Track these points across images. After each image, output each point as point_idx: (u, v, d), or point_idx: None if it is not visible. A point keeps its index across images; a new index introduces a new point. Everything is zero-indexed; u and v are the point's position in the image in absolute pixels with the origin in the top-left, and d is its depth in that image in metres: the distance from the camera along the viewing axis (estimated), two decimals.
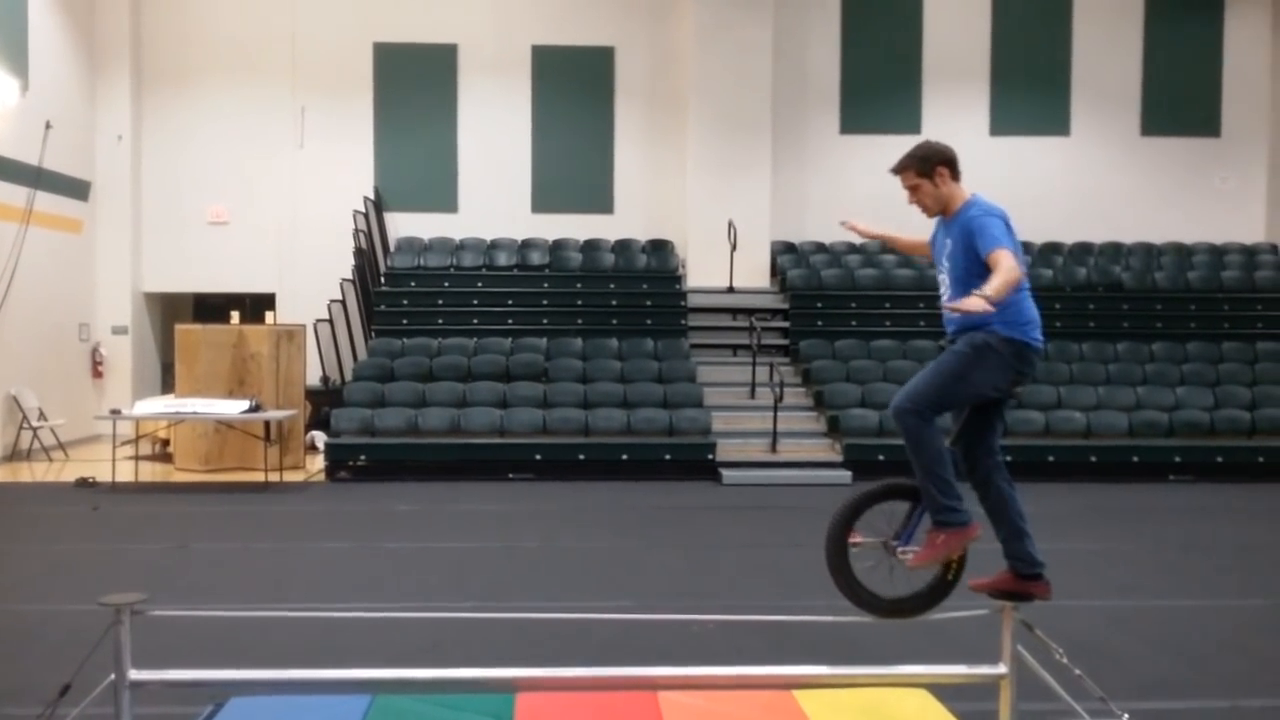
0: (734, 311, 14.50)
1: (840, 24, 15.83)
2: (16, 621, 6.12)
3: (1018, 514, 4.13)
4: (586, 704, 4.92)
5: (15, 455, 12.90)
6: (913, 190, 4.17)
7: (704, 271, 14.85)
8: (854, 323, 14.08)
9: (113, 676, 3.80)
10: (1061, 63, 15.87)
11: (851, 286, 14.59)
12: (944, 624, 4.50)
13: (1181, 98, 15.94)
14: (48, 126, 13.73)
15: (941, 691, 4.80)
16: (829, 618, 4.60)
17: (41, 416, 13.12)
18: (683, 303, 14.42)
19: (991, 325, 3.93)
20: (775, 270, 15.20)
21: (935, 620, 4.44)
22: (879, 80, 15.82)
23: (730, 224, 14.46)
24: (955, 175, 4.14)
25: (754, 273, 14.91)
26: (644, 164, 15.75)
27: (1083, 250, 15.51)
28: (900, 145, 15.03)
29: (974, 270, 3.91)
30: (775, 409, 11.93)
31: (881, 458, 11.69)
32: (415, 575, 7.50)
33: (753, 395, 12.88)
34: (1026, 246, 15.49)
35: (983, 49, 15.84)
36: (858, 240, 15.67)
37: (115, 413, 11.71)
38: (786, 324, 14.33)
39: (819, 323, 14.16)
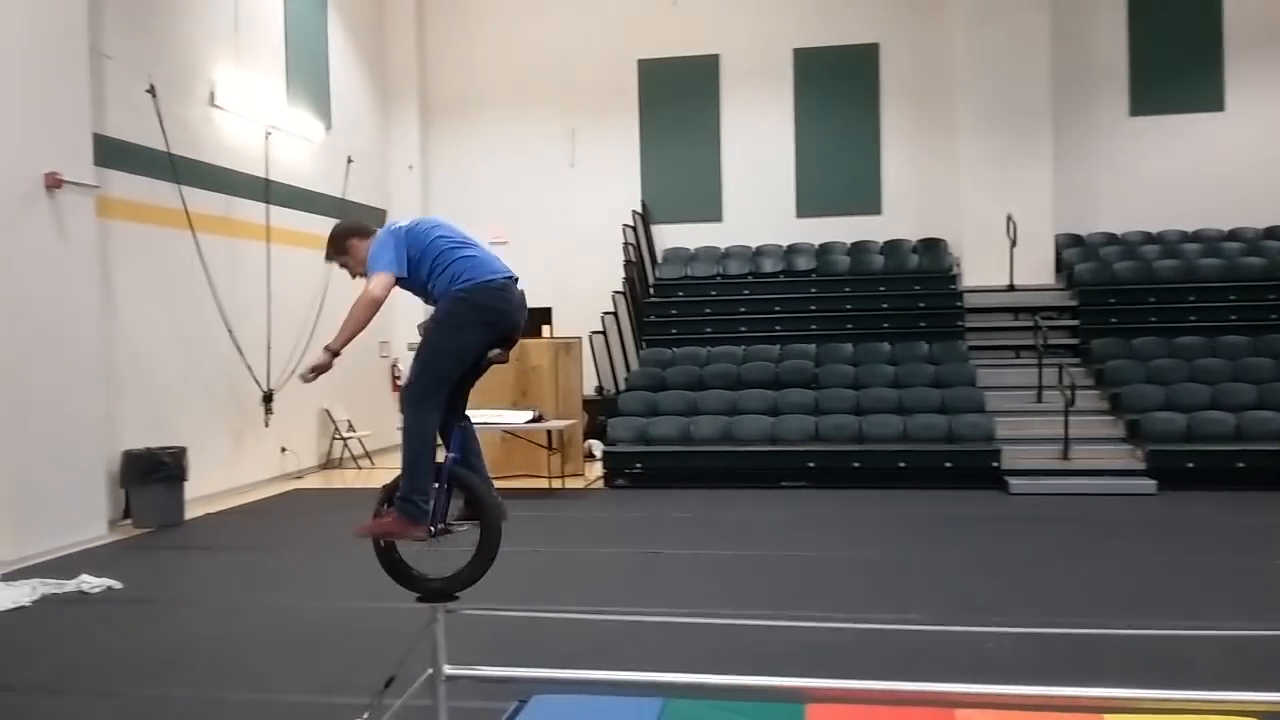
0: (1015, 310, 13.73)
1: (1126, 0, 14.73)
2: (340, 617, 6.62)
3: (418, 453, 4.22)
4: (881, 719, 4.75)
5: (329, 463, 14.09)
6: (344, 267, 4.57)
7: (981, 269, 14.16)
8: (1153, 319, 12.99)
9: (430, 671, 4.02)
10: None
11: (1149, 279, 13.47)
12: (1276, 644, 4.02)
13: None
14: (349, 161, 14.98)
15: None
16: (1140, 630, 4.19)
17: (350, 428, 14.29)
18: (959, 303, 13.81)
19: (438, 300, 4.27)
20: (1060, 265, 14.27)
21: (1268, 638, 3.98)
22: (1173, 56, 14.57)
23: (1009, 218, 13.72)
24: (365, 236, 4.49)
25: (1036, 269, 14.07)
26: (912, 161, 15.27)
27: None
28: (1201, 124, 13.95)
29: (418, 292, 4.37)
30: (1066, 413, 11.16)
31: (1191, 465, 10.73)
32: (695, 582, 7.54)
33: (1039, 399, 12.13)
34: None
35: None
36: (1153, 228, 14.55)
37: None
38: (1075, 322, 13.42)
39: (1112, 320, 13.17)
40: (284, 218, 13.21)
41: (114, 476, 9.88)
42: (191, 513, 10.39)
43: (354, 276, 4.61)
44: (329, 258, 4.65)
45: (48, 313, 8.83)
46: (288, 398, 12.86)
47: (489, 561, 4.29)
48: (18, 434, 8.49)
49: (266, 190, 12.80)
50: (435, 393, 4.25)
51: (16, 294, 8.52)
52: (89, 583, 7.57)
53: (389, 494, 4.40)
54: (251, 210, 12.53)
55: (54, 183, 8.85)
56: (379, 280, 4.19)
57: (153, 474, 9.90)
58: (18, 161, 8.57)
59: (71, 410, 9.06)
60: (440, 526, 4.30)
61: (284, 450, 13.02)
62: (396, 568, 4.41)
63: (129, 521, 9.96)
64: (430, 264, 4.31)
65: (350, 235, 4.54)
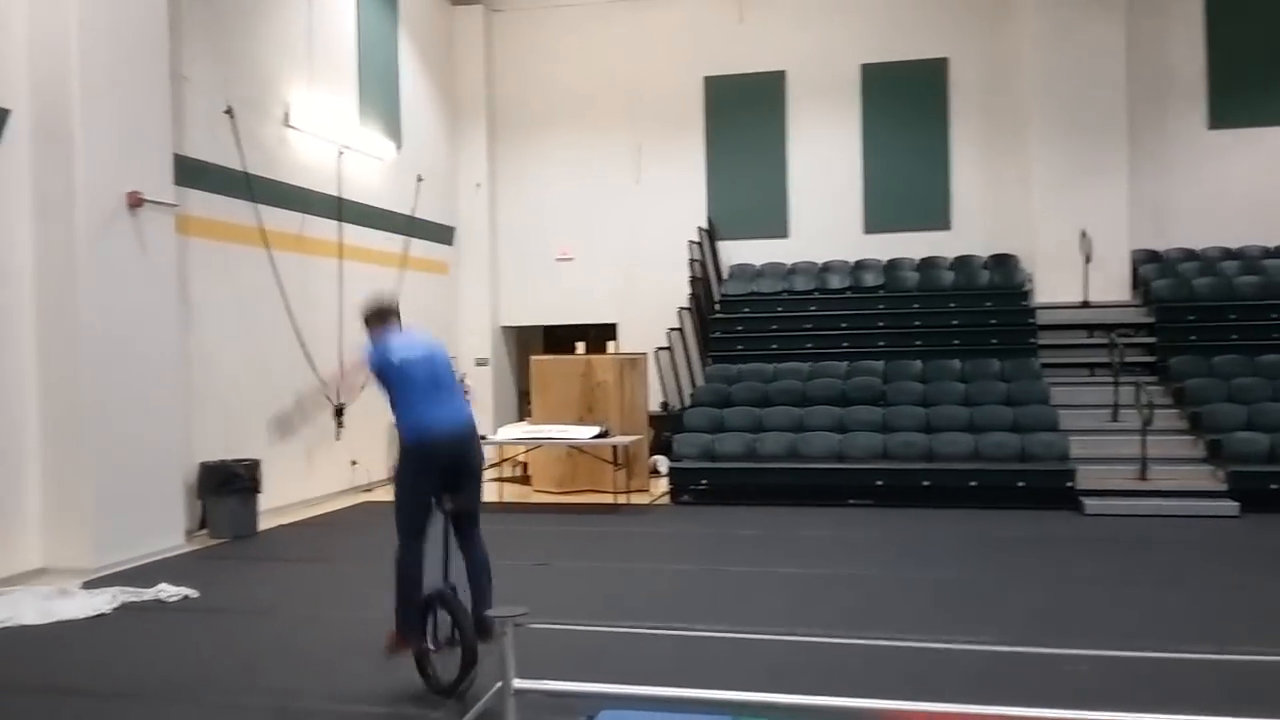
0: (1090, 328, 13.45)
1: (1203, 11, 14.41)
2: None
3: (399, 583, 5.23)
4: None
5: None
6: None
7: (1054, 286, 13.92)
8: (1234, 336, 12.64)
9: (500, 684, 4.04)
10: None
11: (1229, 296, 13.12)
12: None
13: None
14: (419, 180, 15.21)
15: None
16: (1221, 656, 4.05)
17: None
18: (1031, 320, 13.57)
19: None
20: (1137, 281, 13.97)
21: None
22: (1252, 68, 14.22)
23: (1083, 234, 13.47)
24: (375, 326, 5.61)
25: (1111, 285, 13.79)
26: (983, 176, 15.07)
27: None
28: None
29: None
30: (1144, 432, 10.90)
31: (1275, 487, 10.40)
32: (762, 599, 7.48)
33: (1115, 418, 11.86)
34: None
35: None
36: (1233, 244, 14.19)
37: (481, 438, 12.64)
38: (1152, 339, 13.11)
39: (1191, 337, 12.84)
40: (356, 235, 13.46)
41: (191, 488, 10.11)
42: (265, 524, 10.59)
43: None
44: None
45: (129, 328, 9.08)
46: (358, 412, 13.05)
47: (463, 680, 4.97)
48: (100, 446, 8.73)
49: (339, 208, 13.05)
50: (407, 527, 5.24)
51: (100, 310, 8.78)
52: (167, 591, 7.75)
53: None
54: (324, 228, 12.77)
55: (136, 201, 9.12)
56: (357, 364, 5.54)
57: (228, 486, 10.12)
58: (102, 181, 8.85)
59: (151, 423, 9.29)
60: (443, 642, 5.18)
61: (354, 463, 13.21)
62: (420, 666, 5.27)
63: (205, 532, 10.18)
64: (396, 396, 5.32)
65: (367, 322, 5.69)
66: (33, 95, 8.60)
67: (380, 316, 5.60)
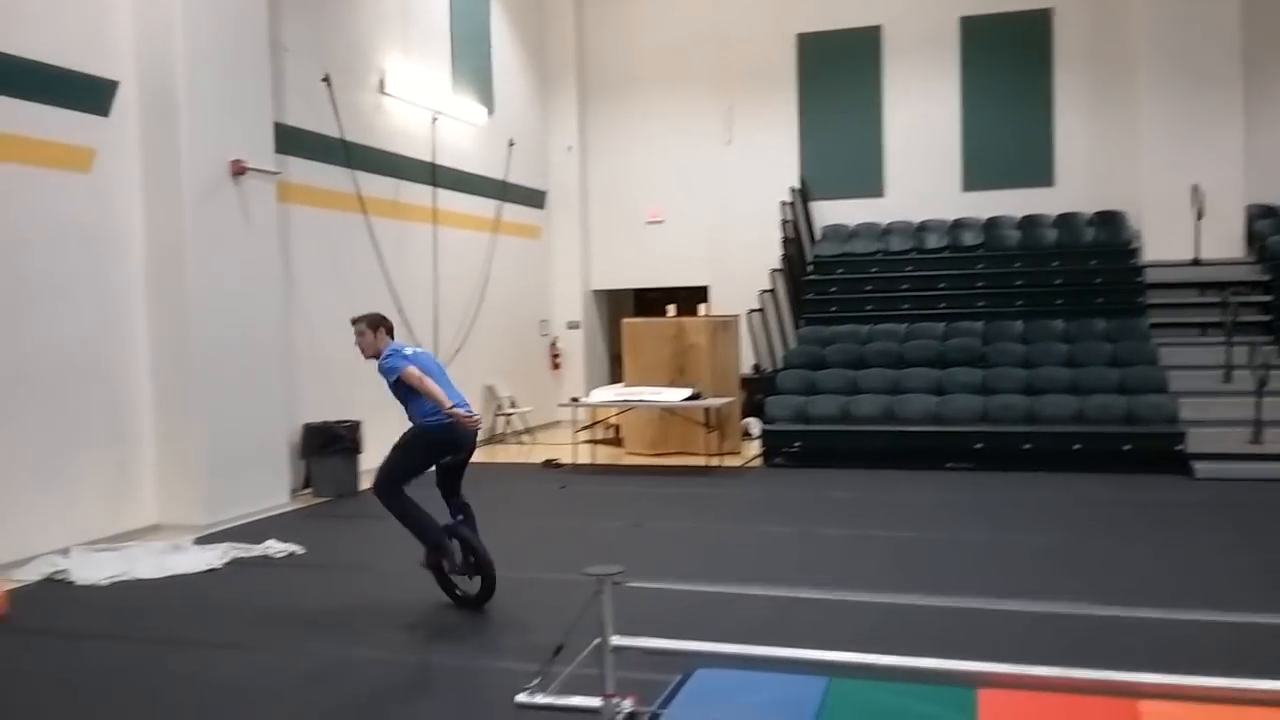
0: (1201, 286, 12.91)
1: None
2: (506, 587, 6.76)
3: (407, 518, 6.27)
4: (1056, 707, 4.52)
5: (493, 439, 14.48)
6: (359, 338, 6.36)
7: (1163, 243, 13.38)
8: None
9: (597, 640, 4.07)
10: None
11: None
12: None
13: None
14: (510, 144, 15.29)
15: None
16: None
17: (512, 404, 14.64)
18: (1139, 278, 13.09)
19: (413, 422, 6.20)
20: (1252, 237, 13.35)
21: None
22: None
23: (1194, 189, 12.91)
24: (390, 332, 6.42)
25: (1225, 242, 13.20)
26: (1088, 130, 14.53)
27: None
28: None
29: (399, 394, 6.23)
30: (1259, 394, 10.45)
31: None
32: (857, 562, 7.41)
33: (1228, 379, 11.39)
34: None
35: None
36: None
37: (574, 400, 12.80)
38: (1268, 298, 12.52)
39: None
40: (449, 200, 13.61)
41: (295, 448, 10.41)
42: (366, 483, 10.82)
43: (364, 355, 6.42)
44: (363, 324, 6.34)
45: (234, 294, 9.34)
46: (452, 374, 13.20)
47: (488, 598, 6.25)
48: (209, 409, 9.03)
49: (433, 174, 13.20)
50: (394, 486, 6.19)
51: (206, 277, 9.04)
52: (275, 547, 8.01)
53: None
54: (419, 193, 12.94)
55: (239, 170, 9.35)
56: (409, 372, 6.06)
57: (330, 446, 10.39)
58: (207, 150, 9.08)
59: (256, 386, 9.57)
60: (460, 567, 6.26)
61: None
62: (447, 584, 6.40)
63: (309, 491, 10.48)
64: (410, 389, 6.08)
65: (383, 325, 6.38)
66: (139, 67, 8.85)
67: (388, 327, 6.40)
